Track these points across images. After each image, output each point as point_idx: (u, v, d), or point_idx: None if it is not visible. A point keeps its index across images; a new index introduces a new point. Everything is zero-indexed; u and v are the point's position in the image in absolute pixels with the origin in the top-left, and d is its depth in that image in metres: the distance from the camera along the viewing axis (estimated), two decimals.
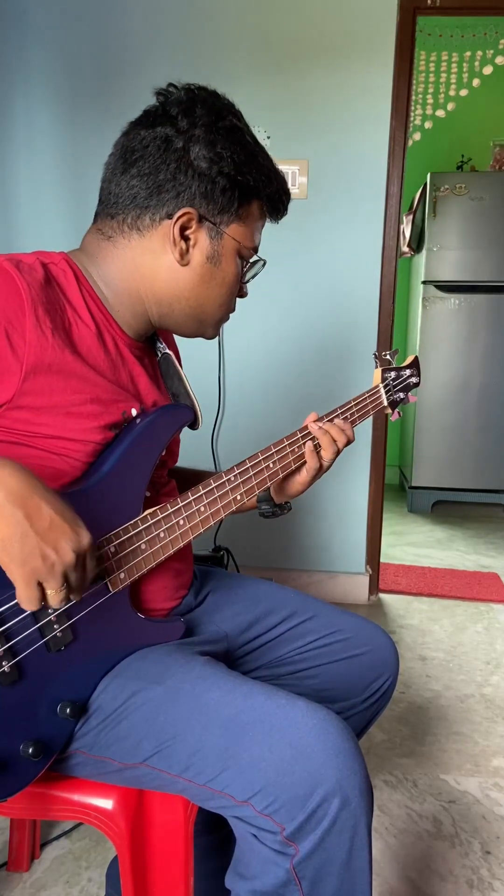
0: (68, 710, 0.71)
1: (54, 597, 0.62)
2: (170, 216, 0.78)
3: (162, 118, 0.78)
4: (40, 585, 0.61)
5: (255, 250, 0.86)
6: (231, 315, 0.91)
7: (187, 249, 0.80)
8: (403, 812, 1.35)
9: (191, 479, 1.00)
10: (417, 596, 2.45)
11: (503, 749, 1.56)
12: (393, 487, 4.01)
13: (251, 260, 0.87)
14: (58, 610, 0.69)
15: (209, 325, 0.88)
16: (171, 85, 0.80)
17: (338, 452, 0.95)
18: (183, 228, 0.79)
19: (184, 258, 0.80)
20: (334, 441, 0.94)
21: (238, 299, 0.90)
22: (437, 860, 1.23)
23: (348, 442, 0.96)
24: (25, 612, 0.66)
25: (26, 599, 0.61)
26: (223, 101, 0.81)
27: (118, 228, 0.81)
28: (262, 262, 0.88)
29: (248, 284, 0.90)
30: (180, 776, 0.72)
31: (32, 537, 0.59)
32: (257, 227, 0.85)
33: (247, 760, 0.68)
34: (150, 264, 0.81)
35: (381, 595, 2.45)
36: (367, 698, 0.96)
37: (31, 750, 0.67)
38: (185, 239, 0.80)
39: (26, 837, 1.19)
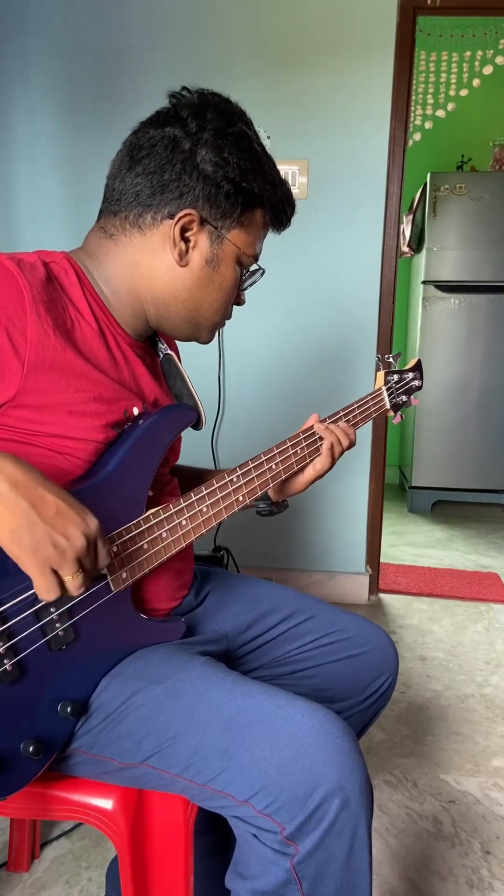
0: (69, 710, 0.71)
1: (71, 583, 0.62)
2: (171, 216, 0.79)
3: (172, 119, 0.78)
4: (55, 574, 0.61)
5: (256, 259, 0.86)
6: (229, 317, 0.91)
7: (187, 251, 0.80)
8: (403, 812, 1.36)
9: (191, 477, 1.01)
10: (417, 596, 2.45)
11: (503, 749, 1.56)
12: (393, 487, 4.01)
13: (251, 268, 0.87)
14: (61, 608, 0.69)
15: (204, 330, 0.88)
16: (184, 88, 0.80)
17: (341, 454, 0.97)
18: (184, 229, 0.79)
19: (182, 259, 0.80)
20: (339, 442, 0.97)
21: (235, 307, 0.90)
22: (437, 860, 1.23)
23: (350, 445, 0.98)
24: (27, 610, 0.66)
25: (44, 588, 0.61)
26: (234, 108, 0.81)
27: (120, 226, 0.81)
28: (261, 272, 0.88)
29: (245, 292, 0.90)
30: (180, 776, 0.72)
31: (40, 525, 0.59)
32: (259, 235, 0.86)
33: (247, 760, 0.68)
34: (150, 263, 0.81)
35: (381, 595, 2.45)
36: (366, 698, 0.96)
37: (31, 749, 0.67)
38: (186, 240, 0.80)
39: (26, 837, 1.19)
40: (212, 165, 0.77)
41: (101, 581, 0.73)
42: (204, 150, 0.77)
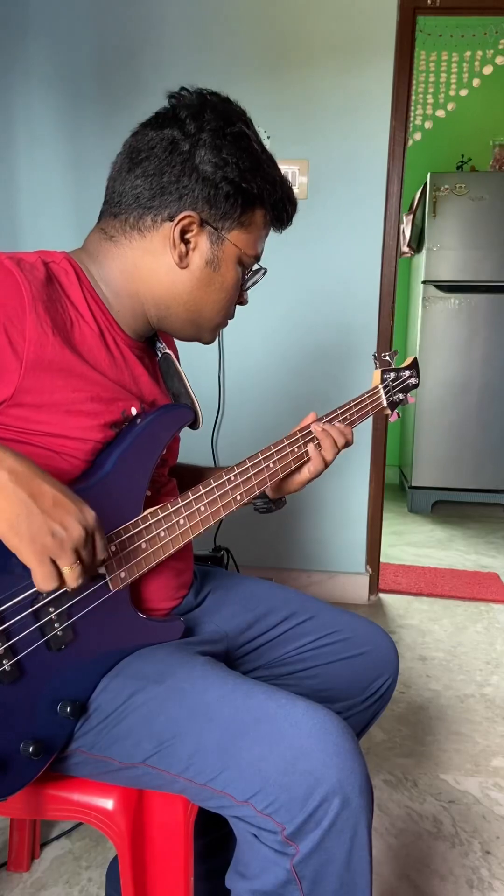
0: (68, 710, 0.71)
1: (70, 574, 0.62)
2: (171, 218, 0.79)
3: (171, 120, 0.78)
4: (54, 564, 0.61)
5: (257, 258, 0.86)
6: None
7: (187, 252, 0.80)
8: (403, 812, 1.35)
9: (191, 475, 1.01)
10: (417, 596, 2.45)
11: (503, 749, 1.56)
12: (393, 487, 4.01)
13: (252, 268, 0.87)
14: (60, 607, 0.69)
15: (206, 330, 0.88)
16: (183, 88, 0.80)
17: (337, 454, 0.97)
18: (184, 231, 0.79)
19: (182, 261, 0.80)
20: (335, 443, 0.96)
21: (238, 306, 0.90)
22: (437, 860, 1.23)
23: (347, 444, 0.98)
24: (26, 610, 0.66)
25: (42, 577, 0.61)
26: (234, 108, 0.81)
27: (120, 228, 0.81)
28: (262, 271, 0.88)
29: (248, 292, 0.90)
30: (180, 776, 0.72)
31: (38, 515, 0.60)
32: (260, 235, 0.85)
33: (247, 760, 0.68)
34: (150, 265, 0.81)
35: (381, 595, 2.45)
36: (367, 698, 0.96)
37: (31, 749, 0.67)
38: (186, 242, 0.80)
39: (26, 837, 1.19)
40: (211, 166, 0.77)
41: (100, 581, 0.73)
42: (203, 151, 0.77)
